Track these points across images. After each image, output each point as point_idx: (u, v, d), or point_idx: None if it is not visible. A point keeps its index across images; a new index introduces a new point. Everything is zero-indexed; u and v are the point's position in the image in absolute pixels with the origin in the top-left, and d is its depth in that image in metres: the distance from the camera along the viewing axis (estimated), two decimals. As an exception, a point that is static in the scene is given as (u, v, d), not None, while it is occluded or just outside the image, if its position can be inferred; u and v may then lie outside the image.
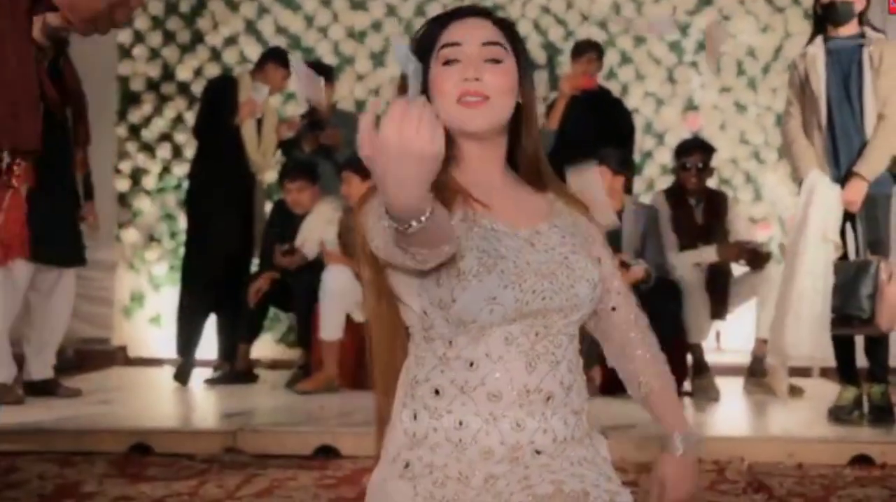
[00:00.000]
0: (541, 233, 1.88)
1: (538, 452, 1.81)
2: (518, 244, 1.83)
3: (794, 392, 5.83)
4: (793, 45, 7.74)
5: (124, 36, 8.05)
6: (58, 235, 5.46)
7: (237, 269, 6.61)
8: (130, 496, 3.82)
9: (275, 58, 6.62)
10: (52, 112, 5.39)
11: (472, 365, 1.79)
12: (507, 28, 1.91)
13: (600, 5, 8.04)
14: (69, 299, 5.78)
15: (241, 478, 4.11)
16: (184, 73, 7.88)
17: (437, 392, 1.81)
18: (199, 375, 6.42)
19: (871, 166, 4.77)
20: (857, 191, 4.78)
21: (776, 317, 5.00)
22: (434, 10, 7.96)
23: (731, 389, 6.05)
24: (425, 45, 1.88)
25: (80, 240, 5.75)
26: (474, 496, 1.80)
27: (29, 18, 2.12)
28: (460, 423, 1.79)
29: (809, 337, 4.84)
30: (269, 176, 7.66)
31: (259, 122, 6.42)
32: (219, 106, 6.27)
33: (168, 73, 7.94)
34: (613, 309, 2.00)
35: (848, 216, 4.87)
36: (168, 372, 6.56)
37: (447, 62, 1.83)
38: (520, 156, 1.96)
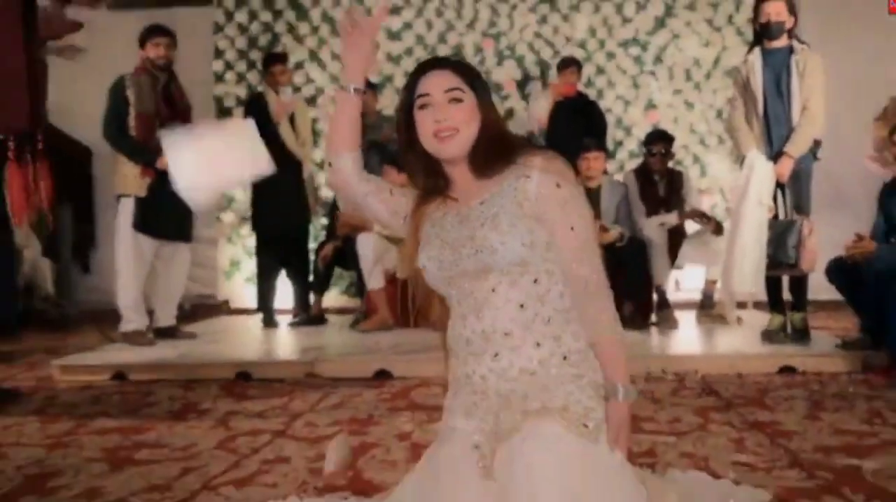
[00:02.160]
0: (471, 208, 1.96)
1: (532, 373, 1.88)
2: (450, 223, 1.97)
3: (738, 324, 5.81)
4: (729, 57, 7.70)
5: (218, 65, 8.04)
6: (175, 218, 5.48)
7: (297, 236, 6.55)
8: (237, 411, 3.84)
9: (272, 59, 6.49)
10: (166, 126, 5.39)
11: (454, 322, 1.98)
12: (464, 69, 2.00)
13: (579, 30, 7.95)
14: (186, 266, 5.78)
15: (319, 396, 4.13)
16: (264, 92, 7.80)
17: (450, 352, 2.02)
18: (284, 320, 6.43)
19: (797, 147, 4.78)
20: (786, 166, 4.79)
21: (725, 264, 5.04)
22: (453, 39, 7.97)
23: (686, 319, 6.04)
24: (408, 96, 2.00)
25: (192, 223, 5.72)
26: (493, 399, 1.91)
27: (24, 25, 1.95)
28: (465, 364, 1.95)
29: (751, 278, 4.88)
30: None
31: (292, 123, 6.31)
32: (257, 116, 6.21)
33: (251, 93, 7.85)
34: (585, 279, 1.94)
35: (778, 185, 4.87)
36: (258, 316, 6.55)
37: (422, 107, 1.96)
38: (474, 161, 2.00)
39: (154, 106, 5.38)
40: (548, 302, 1.91)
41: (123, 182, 5.39)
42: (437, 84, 1.95)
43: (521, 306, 1.89)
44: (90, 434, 3.45)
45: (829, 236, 5.06)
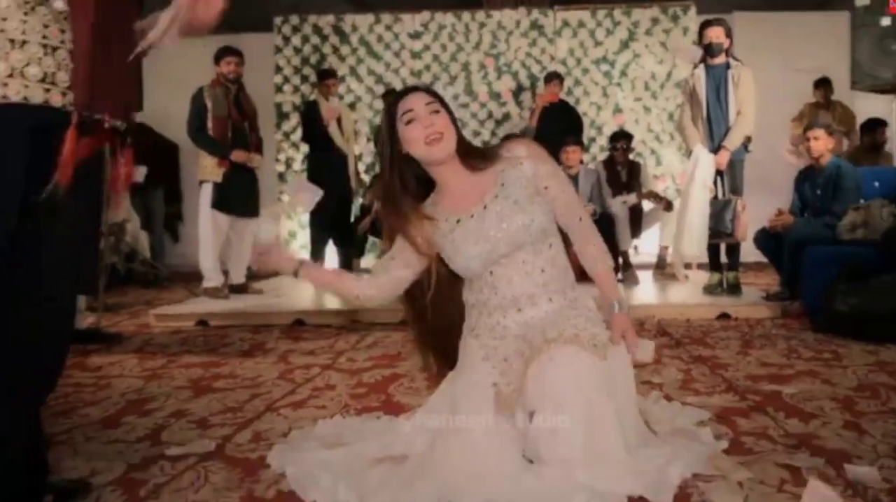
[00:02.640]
0: (487, 206, 1.96)
1: (544, 317, 1.95)
2: (474, 226, 1.95)
3: (685, 280, 5.77)
4: (678, 72, 7.60)
5: (278, 79, 7.99)
6: (245, 200, 5.46)
7: (343, 213, 6.45)
8: (294, 349, 3.83)
9: (325, 74, 6.40)
10: (236, 127, 5.37)
11: (481, 290, 2.00)
12: (433, 92, 2.00)
13: (561, 51, 7.86)
14: (253, 236, 5.73)
15: (358, 337, 4.11)
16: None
17: (474, 308, 2.03)
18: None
19: (733, 142, 4.74)
20: (724, 157, 4.76)
21: (676, 234, 5.01)
22: (462, 57, 7.91)
23: (645, 277, 5.98)
24: (392, 113, 1.97)
25: (258, 202, 5.65)
26: (510, 341, 1.94)
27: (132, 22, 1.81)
28: (490, 316, 1.98)
29: (697, 245, 4.86)
30: (368, 158, 7.64)
31: (339, 124, 6.24)
32: (311, 119, 6.16)
33: (304, 100, 7.81)
34: (580, 219, 2.05)
35: (718, 172, 4.83)
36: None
37: (408, 122, 1.92)
38: (465, 159, 2.00)
39: (227, 111, 5.34)
40: (555, 264, 1.99)
41: (203, 170, 5.36)
42: (418, 101, 1.94)
43: (542, 270, 1.96)
44: (178, 368, 3.45)
45: (756, 212, 5.03)
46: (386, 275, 2.06)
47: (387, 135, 1.99)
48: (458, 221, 1.96)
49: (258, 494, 1.83)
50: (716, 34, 4.83)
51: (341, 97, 7.68)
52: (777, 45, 7.62)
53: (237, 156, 5.32)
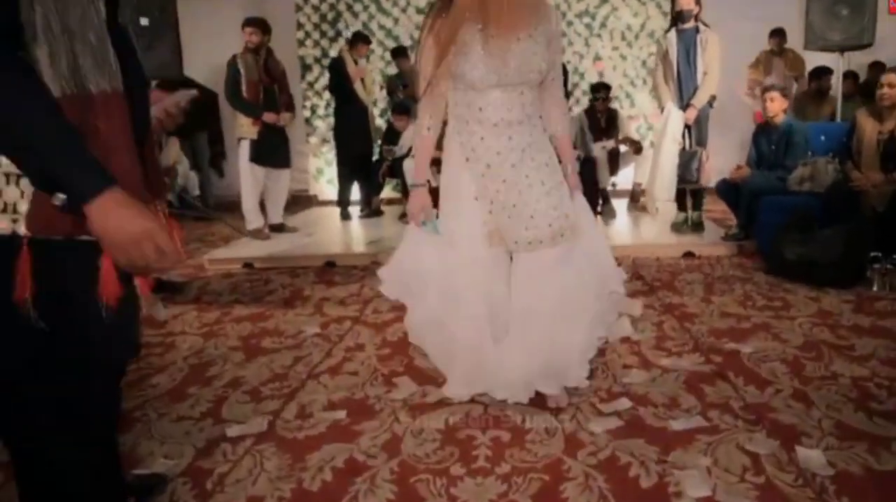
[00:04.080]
0: (521, 39, 1.93)
1: (522, 150, 2.00)
2: (504, 46, 1.90)
3: (656, 213, 5.66)
4: (651, 24, 7.25)
5: (300, 34, 7.60)
6: (277, 152, 5.31)
7: (364, 156, 6.23)
8: (327, 297, 3.76)
9: (359, 38, 6.11)
10: (267, 89, 5.16)
11: (480, 109, 1.98)
12: None
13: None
14: (287, 182, 5.54)
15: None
16: (332, 52, 7.29)
17: (466, 122, 2.02)
18: (354, 212, 6.27)
19: (700, 100, 4.58)
20: (692, 113, 4.60)
21: (650, 178, 4.98)
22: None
23: (620, 207, 5.92)
24: None
25: (289, 154, 5.48)
26: (496, 174, 2.04)
27: None
28: (478, 135, 2.01)
29: (668, 188, 4.78)
30: (381, 104, 7.37)
31: (362, 80, 6.00)
32: (338, 73, 5.91)
33: (325, 54, 7.46)
34: (553, 80, 2.10)
35: (686, 126, 4.67)
36: (337, 209, 6.36)
37: None
38: None
39: (258, 75, 5.11)
40: (536, 102, 2.05)
41: (241, 129, 5.19)
42: None
43: (531, 104, 2.01)
44: (231, 322, 3.37)
45: (717, 148, 4.92)
46: (436, 103, 2.05)
47: None
48: (491, 36, 1.91)
49: (306, 485, 1.81)
50: (686, 2, 4.56)
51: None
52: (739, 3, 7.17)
53: (268, 117, 5.13)
